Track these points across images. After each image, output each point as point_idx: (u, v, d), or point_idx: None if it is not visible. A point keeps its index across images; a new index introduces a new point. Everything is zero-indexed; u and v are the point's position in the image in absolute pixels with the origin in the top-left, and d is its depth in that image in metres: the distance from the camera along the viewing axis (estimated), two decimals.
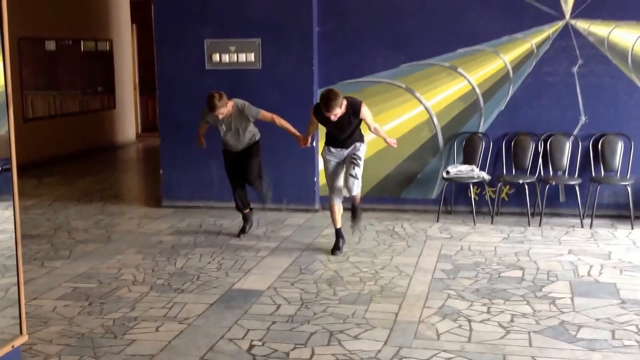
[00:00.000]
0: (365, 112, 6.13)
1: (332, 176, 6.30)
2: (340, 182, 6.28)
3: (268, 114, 6.69)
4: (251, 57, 7.94)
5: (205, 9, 7.99)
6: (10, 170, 4.81)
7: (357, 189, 6.22)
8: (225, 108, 6.49)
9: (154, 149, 11.06)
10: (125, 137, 13.91)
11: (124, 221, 7.73)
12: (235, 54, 7.95)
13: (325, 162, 6.32)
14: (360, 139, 6.24)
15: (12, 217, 4.84)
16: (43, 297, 5.28)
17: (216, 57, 7.99)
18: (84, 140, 12.38)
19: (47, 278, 5.72)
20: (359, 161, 6.14)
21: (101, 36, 13.00)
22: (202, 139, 7.01)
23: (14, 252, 4.85)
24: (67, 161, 11.56)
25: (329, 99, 5.86)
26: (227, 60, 7.94)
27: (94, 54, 12.73)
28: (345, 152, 6.21)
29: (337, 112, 5.92)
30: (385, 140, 6.51)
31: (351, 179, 6.13)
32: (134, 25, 14.45)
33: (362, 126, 6.31)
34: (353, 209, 6.47)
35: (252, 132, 6.77)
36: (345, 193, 6.31)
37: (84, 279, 5.69)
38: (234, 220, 7.60)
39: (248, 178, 6.85)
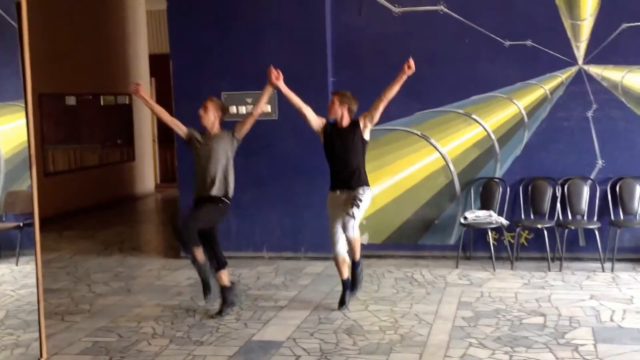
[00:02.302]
0: (362, 116, 5.96)
1: (332, 225, 6.02)
2: (341, 229, 5.96)
3: (244, 120, 6.05)
4: (267, 108, 8.04)
5: (223, 63, 8.14)
6: (32, 225, 4.90)
7: (352, 230, 5.83)
8: (215, 109, 5.96)
9: (173, 199, 11.16)
10: (145, 188, 14.06)
11: (144, 273, 7.77)
12: (252, 106, 8.06)
13: (329, 213, 6.08)
14: (363, 181, 6.00)
15: (33, 271, 4.91)
16: (63, 352, 5.29)
17: (233, 109, 8.11)
18: (104, 192, 12.53)
19: (67, 333, 5.74)
20: (358, 202, 5.87)
21: (121, 90, 13.26)
22: (150, 100, 6.16)
23: (36, 308, 4.91)
24: (87, 213, 11.67)
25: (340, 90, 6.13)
26: (244, 112, 8.04)
27: (114, 108, 12.98)
28: (346, 197, 5.98)
29: (335, 99, 5.97)
30: (399, 79, 5.84)
31: (347, 217, 5.83)
32: (152, 78, 14.74)
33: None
34: (353, 269, 6.10)
35: (227, 179, 5.98)
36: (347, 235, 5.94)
37: (104, 333, 5.71)
38: (253, 270, 7.62)
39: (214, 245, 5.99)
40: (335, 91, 6.16)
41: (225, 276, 6.06)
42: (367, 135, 6.04)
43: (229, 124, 6.28)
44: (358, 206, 5.89)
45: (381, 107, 5.93)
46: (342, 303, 6.13)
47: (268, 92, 6.01)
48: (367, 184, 6.04)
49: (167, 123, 6.15)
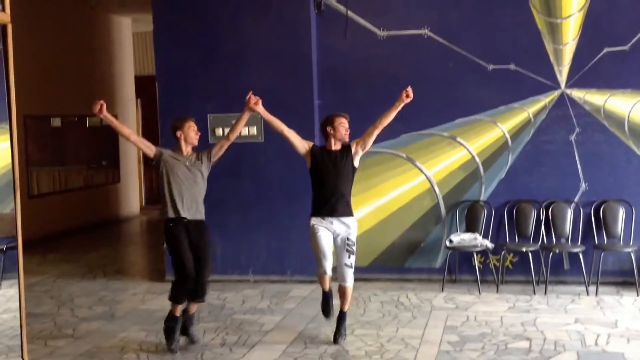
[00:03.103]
0: (355, 142, 5.82)
1: (321, 244, 5.70)
2: (330, 249, 5.76)
3: (221, 140, 5.99)
4: (254, 130, 8.06)
5: (208, 85, 8.16)
6: (15, 248, 4.86)
7: (350, 279, 5.78)
8: (197, 134, 5.87)
9: (158, 221, 11.08)
10: (130, 210, 13.99)
11: (128, 297, 7.71)
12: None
13: (314, 232, 5.75)
14: (350, 210, 5.83)
15: (16, 295, 4.86)
16: None
17: (219, 131, 8.11)
18: (89, 214, 12.44)
19: (50, 358, 5.67)
20: (353, 247, 5.75)
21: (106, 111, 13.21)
22: (115, 120, 5.90)
23: (18, 332, 4.86)
24: (72, 236, 11.58)
25: (338, 113, 5.86)
26: None
27: (99, 129, 12.91)
28: (335, 224, 5.74)
29: (346, 124, 5.76)
30: (395, 107, 5.78)
31: (345, 269, 5.75)
32: (138, 100, 14.72)
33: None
34: (340, 320, 5.86)
35: (202, 201, 5.87)
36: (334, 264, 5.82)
37: (87, 358, 5.64)
38: (238, 293, 7.58)
39: (202, 272, 5.72)
40: (343, 114, 5.87)
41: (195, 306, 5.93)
42: (357, 162, 5.87)
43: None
44: (353, 252, 5.75)
45: (374, 134, 5.80)
46: (328, 312, 5.91)
47: (246, 116, 5.89)
48: (352, 214, 5.84)
49: (134, 143, 5.93)
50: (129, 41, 14.24)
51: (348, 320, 6.31)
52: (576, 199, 7.64)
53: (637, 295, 7.08)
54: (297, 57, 8.01)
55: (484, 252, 7.67)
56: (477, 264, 7.60)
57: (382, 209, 8.06)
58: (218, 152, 5.89)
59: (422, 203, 7.98)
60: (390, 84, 7.95)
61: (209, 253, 5.86)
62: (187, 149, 5.84)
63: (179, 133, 5.83)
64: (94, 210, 12.68)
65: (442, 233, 7.92)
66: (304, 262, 7.96)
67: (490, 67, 7.76)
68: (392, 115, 5.80)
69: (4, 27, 4.67)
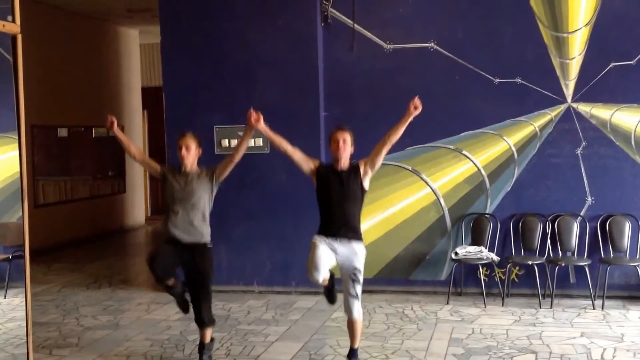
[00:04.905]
0: (363, 161, 5.39)
1: (316, 255, 5.20)
2: (325, 264, 5.24)
3: (225, 160, 5.63)
4: (259, 141, 8.08)
5: (215, 96, 8.19)
6: (21, 257, 4.88)
7: (357, 311, 5.27)
8: (196, 147, 5.63)
9: (163, 232, 11.09)
10: (135, 220, 14.01)
11: (133, 307, 7.71)
12: None
13: (313, 245, 5.26)
14: (359, 235, 5.34)
15: (22, 304, 4.87)
16: None
17: (225, 142, 8.15)
18: (94, 224, 12.48)
19: None
20: (359, 276, 5.25)
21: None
22: (124, 137, 5.90)
23: (24, 341, 4.86)
24: (77, 246, 11.61)
25: (341, 125, 5.48)
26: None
27: (105, 140, 12.97)
28: (340, 247, 5.26)
29: (347, 137, 5.31)
30: (404, 120, 5.35)
31: (351, 299, 5.25)
32: (145, 111, 14.78)
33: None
34: (349, 356, 5.41)
35: (206, 222, 5.62)
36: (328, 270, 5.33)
37: None
38: (243, 304, 7.58)
39: (201, 302, 5.48)
40: (343, 126, 5.46)
41: (208, 333, 5.66)
42: (367, 184, 5.40)
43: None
44: (360, 281, 5.26)
45: (384, 152, 5.34)
46: (332, 299, 5.62)
47: (248, 135, 5.58)
48: (360, 239, 5.35)
49: (140, 162, 5.91)
50: (137, 52, 14.33)
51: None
52: (582, 213, 7.63)
53: None
54: (303, 69, 8.04)
55: (489, 265, 7.65)
56: (482, 277, 7.58)
57: (387, 221, 8.06)
58: (222, 173, 5.65)
59: (427, 215, 7.98)
60: (396, 97, 7.96)
61: (208, 280, 5.54)
62: (187, 167, 5.63)
63: (177, 153, 5.70)
64: (100, 220, 12.71)
65: (447, 245, 7.91)
66: None
67: (497, 80, 7.78)
68: (401, 129, 5.32)
69: (14, 37, 4.70)
